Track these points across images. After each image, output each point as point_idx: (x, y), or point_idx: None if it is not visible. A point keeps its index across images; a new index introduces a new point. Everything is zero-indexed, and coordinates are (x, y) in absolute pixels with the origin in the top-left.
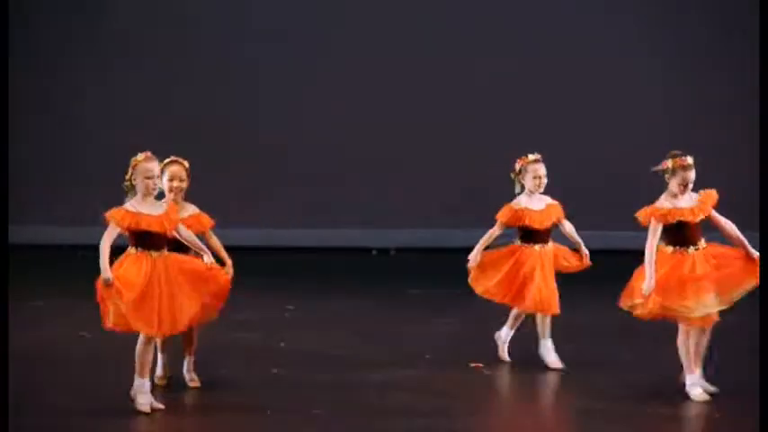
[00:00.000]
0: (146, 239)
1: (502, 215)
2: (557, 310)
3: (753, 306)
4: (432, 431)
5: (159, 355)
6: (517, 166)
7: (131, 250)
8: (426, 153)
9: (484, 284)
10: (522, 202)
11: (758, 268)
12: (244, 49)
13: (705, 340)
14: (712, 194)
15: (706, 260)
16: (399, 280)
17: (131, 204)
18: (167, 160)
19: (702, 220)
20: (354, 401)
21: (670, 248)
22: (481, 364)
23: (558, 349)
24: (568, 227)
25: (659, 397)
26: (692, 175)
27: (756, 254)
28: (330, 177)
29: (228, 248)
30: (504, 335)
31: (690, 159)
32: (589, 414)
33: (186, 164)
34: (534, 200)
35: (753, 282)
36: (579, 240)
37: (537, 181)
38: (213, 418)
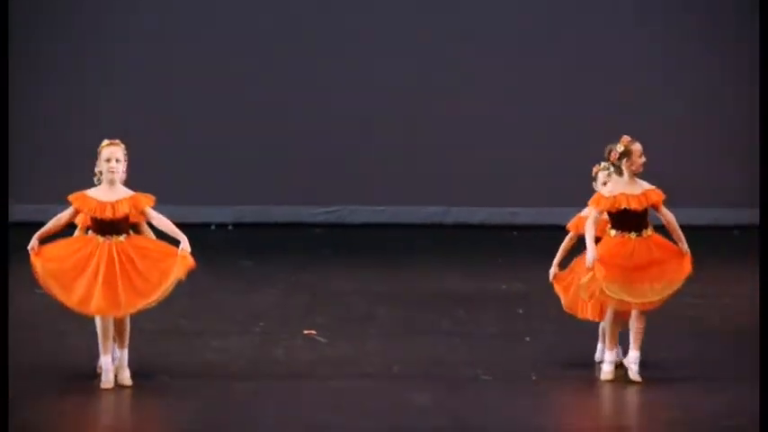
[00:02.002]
0: (94, 224)
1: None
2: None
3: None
4: (269, 395)
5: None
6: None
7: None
8: (260, 131)
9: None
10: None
11: (688, 265)
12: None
13: (643, 323)
14: (659, 192)
15: (648, 249)
16: (235, 253)
17: (93, 189)
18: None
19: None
20: (197, 368)
21: (613, 232)
22: (314, 332)
23: None
24: None
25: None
26: (639, 145)
27: (687, 251)
28: (173, 156)
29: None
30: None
31: (627, 137)
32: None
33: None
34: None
35: (680, 281)
36: None
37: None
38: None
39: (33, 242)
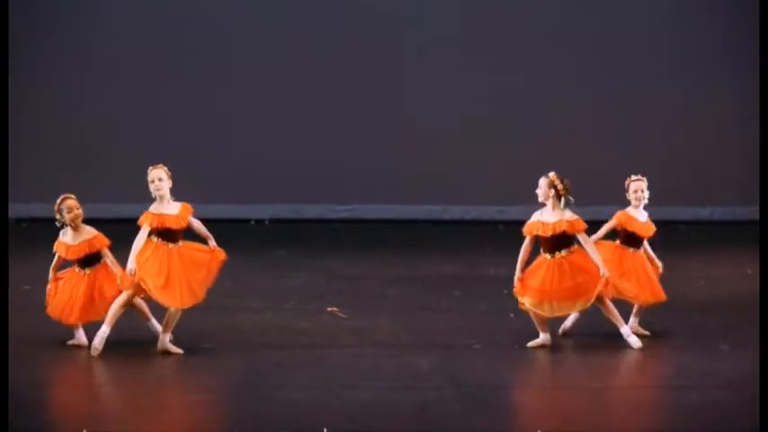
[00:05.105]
0: (163, 234)
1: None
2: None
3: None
4: (298, 359)
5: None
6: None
7: (154, 239)
8: (294, 144)
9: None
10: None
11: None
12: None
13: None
14: (574, 223)
15: (561, 268)
16: (270, 244)
17: (154, 207)
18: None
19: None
20: (238, 338)
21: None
22: (336, 309)
23: None
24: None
25: None
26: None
27: (604, 273)
28: (219, 163)
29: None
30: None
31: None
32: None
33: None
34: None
35: (591, 298)
36: None
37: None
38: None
39: (133, 266)
